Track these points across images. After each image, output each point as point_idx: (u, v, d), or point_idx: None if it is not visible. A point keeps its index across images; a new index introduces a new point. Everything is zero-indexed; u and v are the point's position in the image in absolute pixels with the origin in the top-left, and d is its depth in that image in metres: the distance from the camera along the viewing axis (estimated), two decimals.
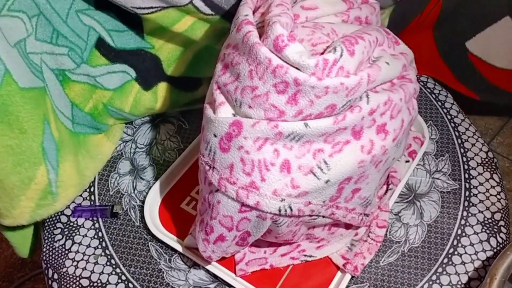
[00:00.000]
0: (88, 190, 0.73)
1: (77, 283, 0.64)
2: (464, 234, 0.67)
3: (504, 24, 0.80)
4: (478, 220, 0.69)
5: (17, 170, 0.59)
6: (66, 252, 0.67)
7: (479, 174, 0.73)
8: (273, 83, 0.48)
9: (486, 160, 0.75)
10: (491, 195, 0.71)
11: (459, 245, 0.66)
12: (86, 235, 0.68)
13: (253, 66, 0.49)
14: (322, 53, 0.51)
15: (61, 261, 0.66)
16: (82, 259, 0.66)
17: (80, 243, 0.68)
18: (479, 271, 0.64)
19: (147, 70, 0.72)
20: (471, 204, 0.70)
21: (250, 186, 0.51)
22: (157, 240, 0.67)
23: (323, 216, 0.55)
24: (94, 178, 0.74)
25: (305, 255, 0.65)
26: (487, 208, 0.70)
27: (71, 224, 0.70)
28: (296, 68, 0.48)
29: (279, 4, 0.53)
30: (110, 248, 0.67)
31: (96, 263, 0.66)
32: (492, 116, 1.26)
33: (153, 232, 0.66)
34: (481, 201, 0.70)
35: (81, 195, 0.72)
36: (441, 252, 0.66)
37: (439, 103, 0.82)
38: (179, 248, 0.65)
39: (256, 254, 0.65)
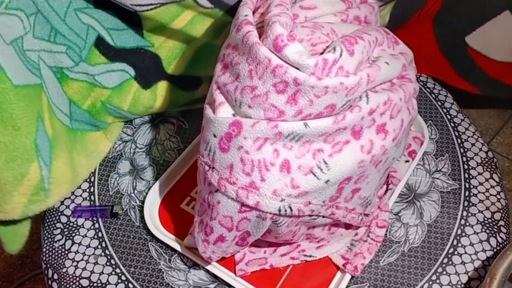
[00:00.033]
0: (88, 190, 0.73)
1: (77, 283, 0.64)
2: (464, 234, 0.67)
3: (504, 18, 0.80)
4: (478, 220, 0.69)
5: (10, 166, 0.59)
6: (66, 252, 0.67)
7: (479, 174, 0.73)
8: (272, 83, 0.48)
9: (486, 160, 0.75)
10: (491, 195, 0.71)
11: (459, 245, 0.66)
12: (86, 235, 0.68)
13: (252, 66, 0.49)
14: (321, 53, 0.51)
15: (61, 261, 0.66)
16: (82, 259, 0.66)
17: (80, 243, 0.68)
18: (479, 271, 0.64)
19: (147, 69, 0.72)
20: (471, 204, 0.70)
21: (250, 186, 0.51)
22: (157, 240, 0.67)
23: (323, 216, 0.55)
24: (94, 178, 0.74)
25: (305, 255, 0.65)
26: (487, 208, 0.70)
27: (71, 224, 0.70)
28: (296, 68, 0.48)
29: (278, 4, 0.53)
30: (110, 248, 0.67)
31: (96, 263, 0.66)
32: (492, 114, 1.26)
33: (153, 232, 0.66)
34: (481, 201, 0.70)
35: (81, 195, 0.72)
36: (441, 252, 0.66)
37: (439, 103, 0.82)
38: (179, 248, 0.65)
39: (256, 254, 0.65)
